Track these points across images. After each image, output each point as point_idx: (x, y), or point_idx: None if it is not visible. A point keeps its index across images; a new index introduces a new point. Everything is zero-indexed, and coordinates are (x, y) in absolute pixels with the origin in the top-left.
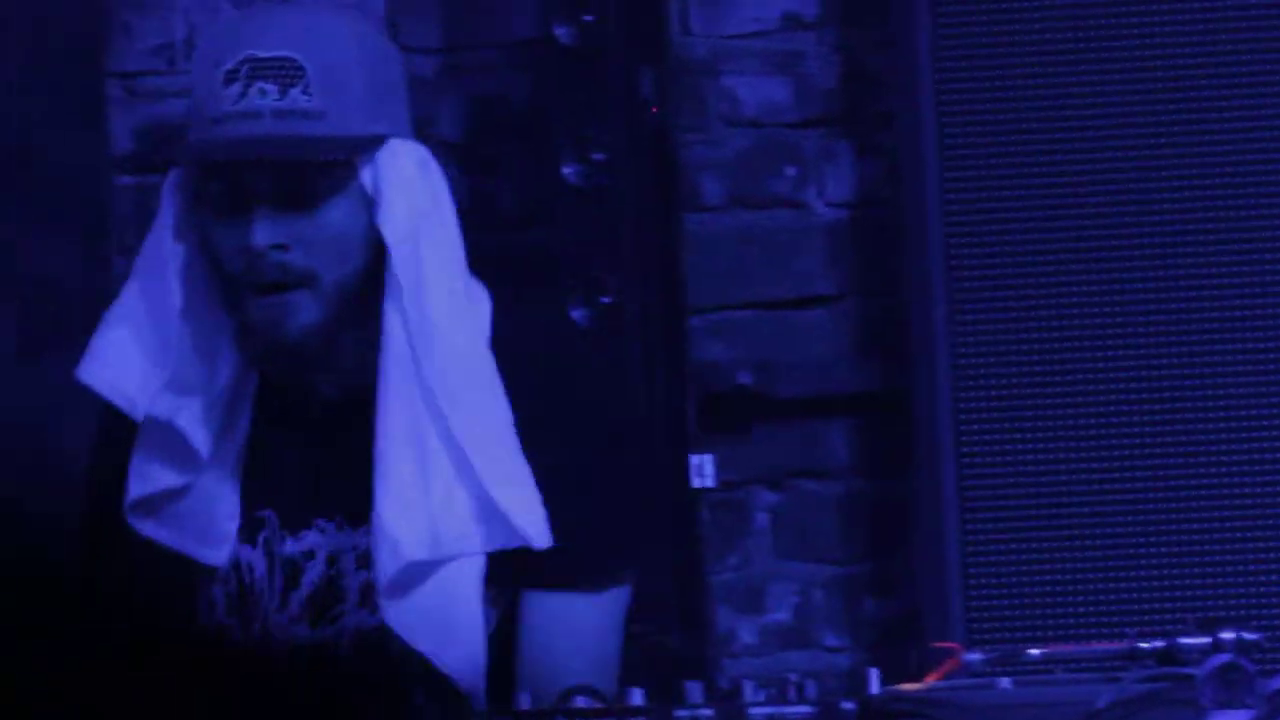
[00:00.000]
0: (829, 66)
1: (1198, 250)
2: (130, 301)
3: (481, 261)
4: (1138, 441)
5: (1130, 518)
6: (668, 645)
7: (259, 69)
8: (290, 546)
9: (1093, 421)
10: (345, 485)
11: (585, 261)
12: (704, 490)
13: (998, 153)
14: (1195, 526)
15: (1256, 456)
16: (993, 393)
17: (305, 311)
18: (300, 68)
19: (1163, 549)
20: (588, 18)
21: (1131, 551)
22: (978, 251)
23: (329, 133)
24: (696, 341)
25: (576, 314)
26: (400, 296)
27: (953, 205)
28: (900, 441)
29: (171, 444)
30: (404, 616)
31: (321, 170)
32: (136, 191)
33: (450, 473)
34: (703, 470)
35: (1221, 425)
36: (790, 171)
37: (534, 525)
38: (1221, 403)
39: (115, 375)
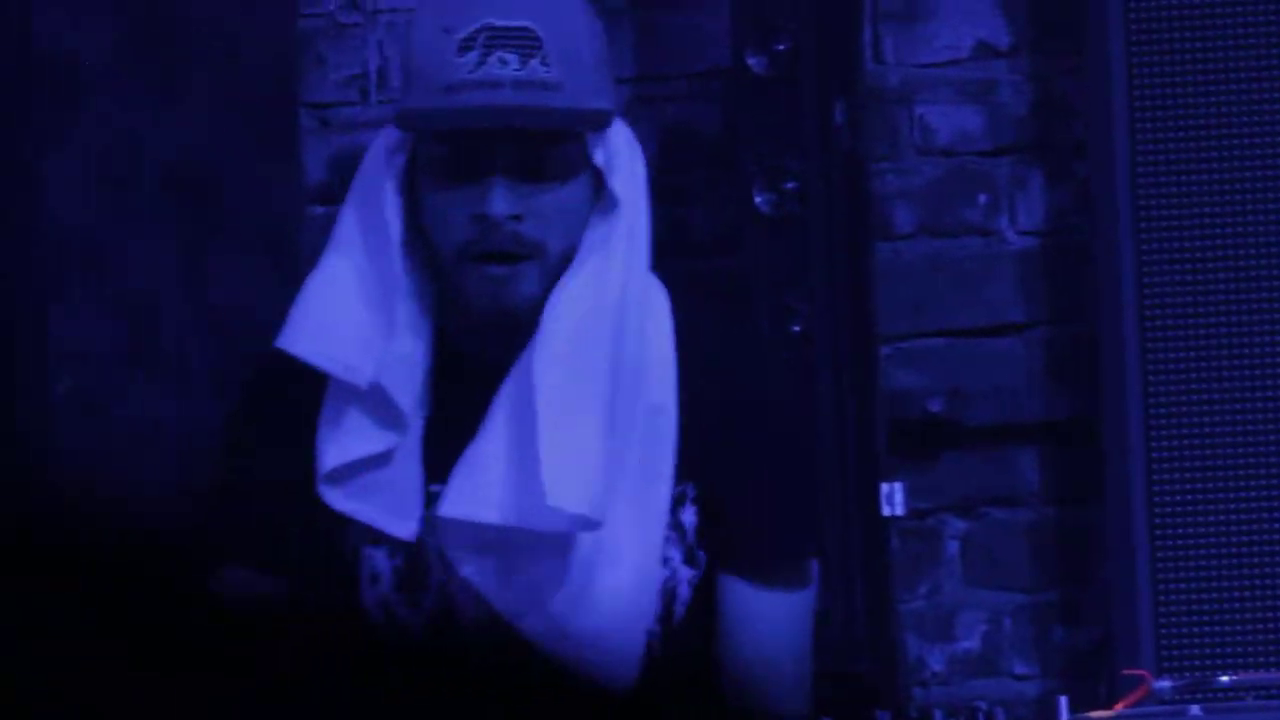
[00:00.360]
0: (1021, 94)
1: None
2: (337, 269)
3: (673, 288)
4: None
5: None
6: (858, 674)
7: (497, 38)
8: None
9: None
10: None
11: (776, 289)
12: (894, 518)
13: (1190, 179)
14: None
15: None
16: (1184, 419)
17: (529, 283)
18: (538, 38)
19: None
20: (780, 46)
21: None
22: (1170, 278)
23: (566, 105)
24: (887, 369)
25: None
26: (587, 263)
27: (1144, 232)
28: (1090, 469)
29: (377, 408)
30: (481, 574)
31: (557, 142)
32: (328, 221)
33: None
34: (893, 498)
35: None
36: (982, 199)
37: (577, 506)
38: None
39: (327, 343)
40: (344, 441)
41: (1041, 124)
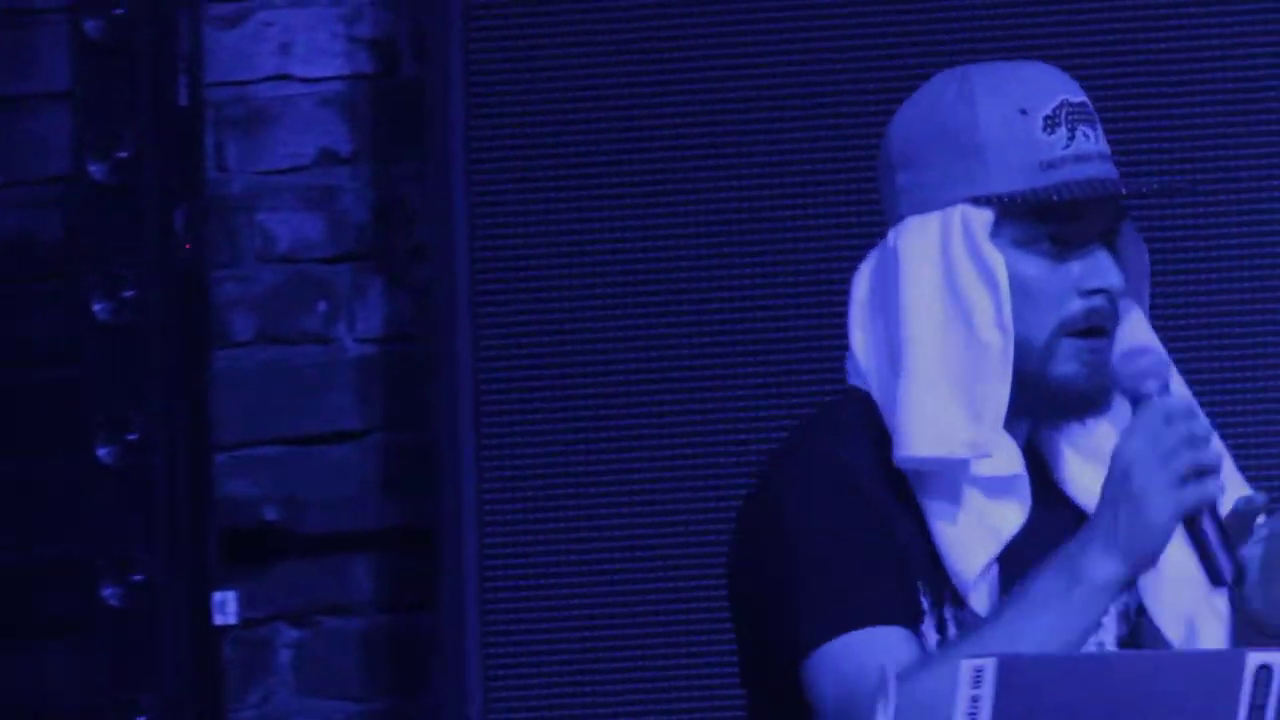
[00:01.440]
0: (363, 201)
1: (741, 389)
2: (930, 370)
3: (12, 400)
4: (665, 576)
5: (652, 662)
6: None
7: (1074, 113)
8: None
9: (618, 559)
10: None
11: (113, 399)
12: (227, 627)
13: (530, 288)
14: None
15: None
16: (517, 527)
17: (1109, 357)
18: (1093, 113)
19: (697, 683)
20: (122, 154)
21: (653, 688)
22: (506, 387)
23: (1118, 176)
24: (223, 478)
25: (103, 452)
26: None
27: (483, 340)
28: (425, 577)
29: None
30: None
31: (1124, 216)
32: None
33: None
34: (225, 607)
35: None
36: (321, 307)
37: None
38: None
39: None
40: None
41: (382, 230)
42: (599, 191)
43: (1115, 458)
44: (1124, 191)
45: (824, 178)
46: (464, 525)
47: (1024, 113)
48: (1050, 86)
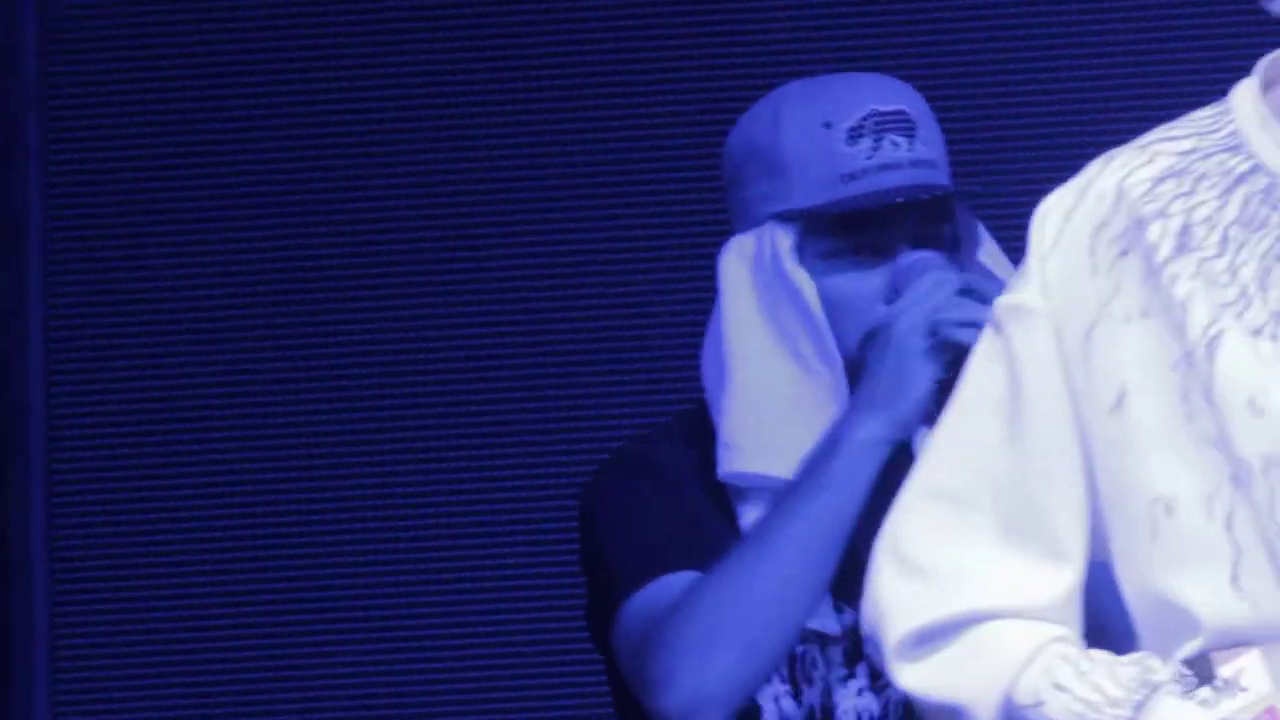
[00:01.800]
0: None
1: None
2: (760, 380)
3: None
4: (248, 631)
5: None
6: None
7: (884, 122)
8: (848, 619)
9: (199, 613)
10: None
11: None
12: None
13: (107, 353)
14: None
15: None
16: (91, 611)
17: None
18: (912, 120)
19: None
20: None
21: None
22: (80, 458)
23: (943, 181)
24: None
25: None
26: None
27: (57, 410)
28: None
29: None
30: None
31: (942, 220)
32: None
33: None
34: None
35: None
36: None
37: None
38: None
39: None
40: None
41: None
42: (179, 252)
43: (879, 323)
44: (924, 197)
45: (430, 221)
46: (35, 608)
47: (827, 126)
48: (859, 98)
